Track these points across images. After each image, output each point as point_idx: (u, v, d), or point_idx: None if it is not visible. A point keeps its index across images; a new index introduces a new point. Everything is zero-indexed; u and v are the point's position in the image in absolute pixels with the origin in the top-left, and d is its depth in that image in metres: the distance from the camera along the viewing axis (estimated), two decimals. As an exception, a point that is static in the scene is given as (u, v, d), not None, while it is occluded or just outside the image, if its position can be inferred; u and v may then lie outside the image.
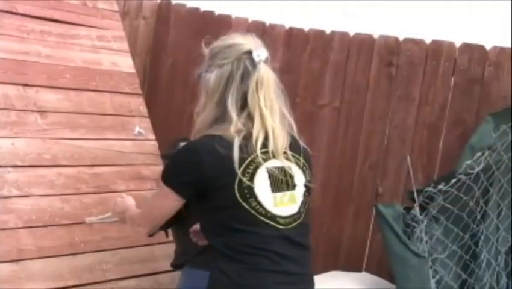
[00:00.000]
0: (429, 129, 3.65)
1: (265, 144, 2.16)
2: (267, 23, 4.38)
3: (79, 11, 4.20)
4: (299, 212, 2.21)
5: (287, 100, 2.28)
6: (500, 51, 3.40)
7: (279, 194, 2.16)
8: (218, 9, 4.69)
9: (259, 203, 2.11)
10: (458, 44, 3.56)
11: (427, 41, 3.66)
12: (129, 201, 2.78)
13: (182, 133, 4.82)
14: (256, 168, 2.13)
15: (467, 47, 3.52)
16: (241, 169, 2.10)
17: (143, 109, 4.23)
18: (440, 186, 3.15)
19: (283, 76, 4.32)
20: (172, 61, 4.90)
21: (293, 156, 2.25)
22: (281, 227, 2.14)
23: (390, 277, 3.56)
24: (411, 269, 3.13)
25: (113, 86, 4.13)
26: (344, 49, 3.98)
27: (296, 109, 4.07)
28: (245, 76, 2.17)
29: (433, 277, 3.19)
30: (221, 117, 2.18)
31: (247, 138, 2.15)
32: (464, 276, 3.27)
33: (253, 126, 2.16)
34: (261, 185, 2.13)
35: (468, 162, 3.14)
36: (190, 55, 4.76)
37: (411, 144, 3.71)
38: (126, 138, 4.04)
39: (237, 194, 2.10)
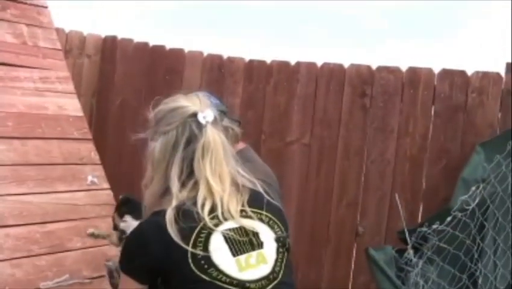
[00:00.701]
0: (410, 162, 3.49)
1: (213, 209, 1.96)
2: (225, 56, 4.13)
3: (18, 50, 3.85)
4: (273, 272, 1.97)
5: (238, 163, 2.07)
6: (483, 76, 3.28)
7: (242, 257, 1.93)
8: (168, 43, 4.41)
9: (221, 272, 1.89)
10: (436, 70, 3.40)
11: (403, 68, 3.49)
12: None
13: (134, 177, 4.51)
14: (209, 234, 1.92)
15: (447, 73, 3.39)
16: (192, 240, 1.90)
17: (95, 156, 3.90)
18: (434, 226, 2.93)
19: (245, 111, 4.19)
20: (121, 101, 4.59)
21: (254, 212, 2.03)
22: None
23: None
24: (410, 316, 2.90)
25: (61, 132, 3.79)
26: (311, 80, 3.78)
27: (262, 147, 3.86)
28: (192, 140, 1.98)
29: (432, 323, 2.97)
30: (168, 189, 2.00)
31: (193, 205, 1.95)
32: (464, 319, 3.06)
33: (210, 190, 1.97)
34: (218, 252, 1.92)
35: (463, 197, 2.95)
36: (140, 93, 4.50)
37: (392, 179, 3.53)
38: (78, 189, 3.70)
39: (194, 268, 1.88)
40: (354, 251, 3.66)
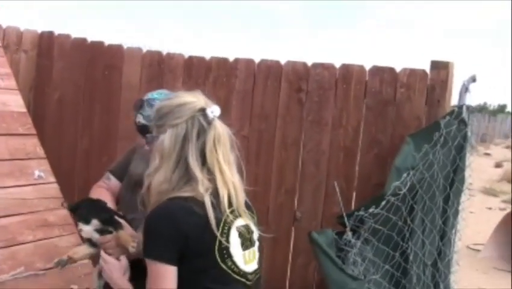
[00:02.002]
0: (344, 152, 3.72)
1: (230, 202, 2.17)
2: (164, 53, 4.27)
3: (-42, 48, 3.86)
4: (259, 267, 2.26)
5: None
6: (411, 72, 3.54)
7: (247, 252, 2.18)
8: (107, 39, 4.51)
9: (234, 263, 2.13)
10: (367, 67, 3.66)
11: (337, 65, 3.73)
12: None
13: (75, 172, 4.59)
14: (230, 228, 2.13)
15: (378, 70, 3.63)
16: (220, 230, 2.10)
17: (40, 151, 3.97)
18: (371, 210, 3.20)
19: (185, 106, 4.32)
20: (59, 96, 4.63)
21: (247, 212, 2.25)
22: (249, 283, 2.18)
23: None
24: (351, 293, 3.17)
25: (6, 128, 3.84)
26: (249, 76, 3.97)
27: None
28: (201, 133, 2.14)
29: (370, 297, 3.25)
30: (184, 176, 2.15)
31: (215, 195, 2.13)
32: (396, 292, 3.37)
33: (216, 182, 2.15)
34: (234, 244, 2.14)
35: (396, 183, 3.23)
36: (79, 88, 4.57)
37: (327, 168, 3.76)
38: (26, 183, 3.78)
39: (217, 256, 2.10)
40: (292, 235, 3.88)
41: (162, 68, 4.25)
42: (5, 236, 3.47)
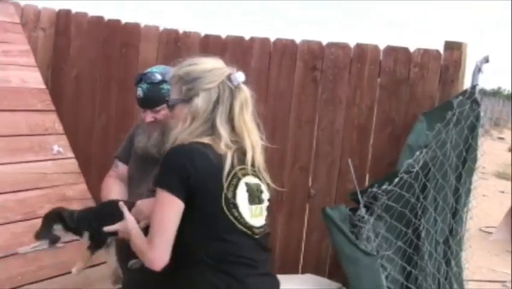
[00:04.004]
0: (358, 131, 3.76)
1: (253, 160, 2.34)
2: (181, 31, 4.31)
3: (-22, 25, 3.93)
4: (266, 224, 2.38)
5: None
6: (424, 53, 3.57)
7: (253, 207, 2.31)
8: (124, 17, 4.55)
9: (240, 214, 2.26)
10: (382, 47, 3.68)
11: (351, 45, 3.76)
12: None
13: (92, 148, 4.66)
14: (238, 181, 2.27)
15: (392, 50, 3.66)
16: (228, 181, 2.24)
17: (58, 126, 4.04)
18: (384, 186, 3.25)
19: (201, 84, 4.37)
20: (76, 73, 4.70)
21: (264, 174, 2.42)
22: (256, 236, 2.30)
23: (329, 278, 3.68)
24: (363, 268, 3.23)
25: (25, 104, 3.92)
26: (265, 55, 4.00)
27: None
28: (229, 97, 2.31)
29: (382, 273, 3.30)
30: (207, 130, 2.30)
31: (234, 153, 2.29)
32: (408, 268, 3.42)
33: (240, 142, 2.32)
34: (241, 197, 2.27)
35: (409, 161, 3.27)
36: (96, 66, 4.62)
37: (341, 146, 3.80)
38: (45, 158, 3.85)
39: (223, 204, 2.23)
40: (306, 212, 3.94)
41: (178, 47, 4.30)
42: (25, 209, 3.55)
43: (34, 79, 4.06)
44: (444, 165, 3.41)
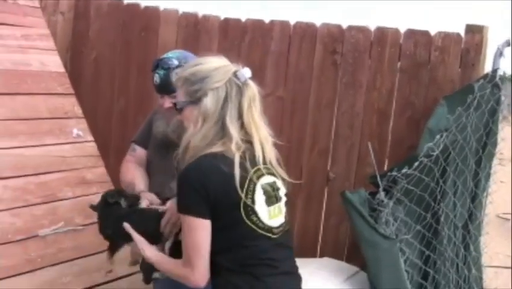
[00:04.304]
0: (378, 114, 3.74)
1: (264, 158, 2.32)
2: (200, 15, 4.31)
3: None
4: (285, 221, 2.39)
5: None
6: (445, 36, 3.53)
7: (271, 208, 2.32)
8: (143, 1, 4.55)
9: (259, 219, 2.27)
10: (402, 30, 3.65)
11: (371, 28, 3.73)
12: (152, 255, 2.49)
13: (112, 132, 4.68)
14: (255, 186, 2.27)
15: (412, 33, 3.62)
16: (245, 189, 2.24)
17: (78, 110, 4.08)
18: (404, 170, 3.23)
19: (220, 67, 4.36)
20: (95, 57, 4.71)
21: (277, 169, 2.39)
22: (275, 236, 2.31)
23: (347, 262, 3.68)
24: (382, 252, 3.22)
25: (45, 88, 3.95)
26: (285, 38, 3.99)
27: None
28: (238, 94, 2.30)
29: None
30: (219, 132, 2.29)
31: (247, 154, 2.28)
32: (427, 252, 3.41)
33: (250, 140, 2.31)
34: (259, 201, 2.28)
35: (429, 145, 3.25)
36: (116, 49, 4.63)
37: (360, 129, 3.79)
38: (65, 141, 3.90)
39: (243, 213, 2.24)
40: (325, 196, 3.93)
41: (198, 30, 4.29)
42: (45, 192, 3.59)
43: (54, 62, 4.09)
44: (464, 149, 3.38)
